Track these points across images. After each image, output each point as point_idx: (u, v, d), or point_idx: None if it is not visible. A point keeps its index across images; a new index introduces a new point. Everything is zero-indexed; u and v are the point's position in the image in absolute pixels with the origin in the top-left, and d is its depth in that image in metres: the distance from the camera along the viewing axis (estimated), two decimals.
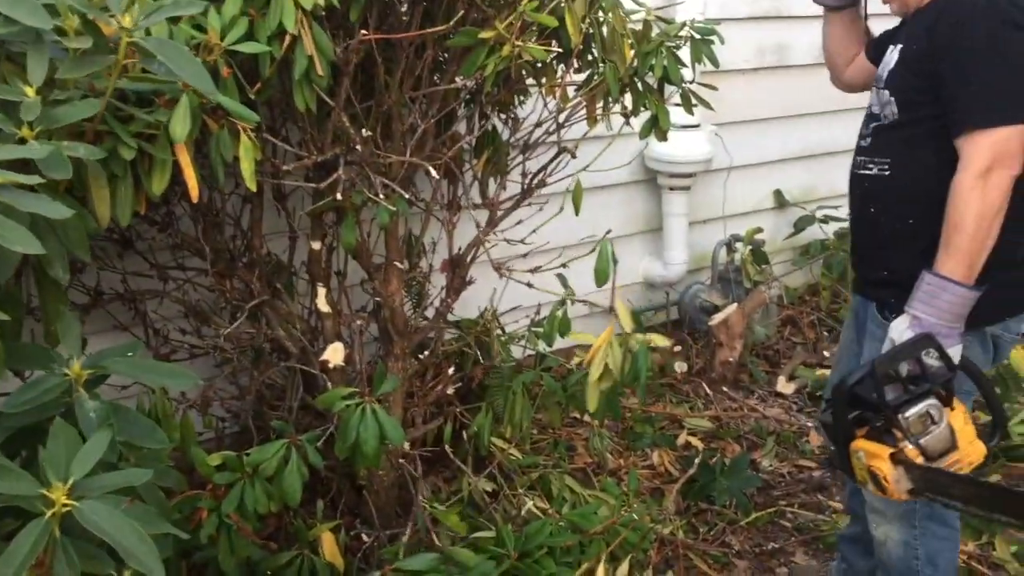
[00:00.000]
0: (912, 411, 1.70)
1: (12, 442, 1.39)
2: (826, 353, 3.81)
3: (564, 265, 2.44)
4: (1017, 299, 1.95)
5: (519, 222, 2.52)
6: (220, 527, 1.85)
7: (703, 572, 2.59)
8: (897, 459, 1.68)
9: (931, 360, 1.72)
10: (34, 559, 1.15)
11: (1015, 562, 2.57)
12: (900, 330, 1.79)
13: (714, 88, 2.38)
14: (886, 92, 1.96)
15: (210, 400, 2.35)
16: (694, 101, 2.34)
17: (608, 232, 2.35)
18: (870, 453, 1.72)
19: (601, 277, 2.26)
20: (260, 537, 2.10)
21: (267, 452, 1.86)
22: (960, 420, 1.73)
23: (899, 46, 1.96)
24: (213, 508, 1.84)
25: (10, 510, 1.32)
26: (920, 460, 1.68)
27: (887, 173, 1.96)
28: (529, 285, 2.41)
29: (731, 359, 3.58)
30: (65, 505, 1.18)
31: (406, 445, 2.33)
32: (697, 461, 2.96)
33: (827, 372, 3.00)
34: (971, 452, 1.72)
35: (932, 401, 1.71)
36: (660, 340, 2.25)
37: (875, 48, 2.18)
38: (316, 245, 2.31)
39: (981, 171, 1.72)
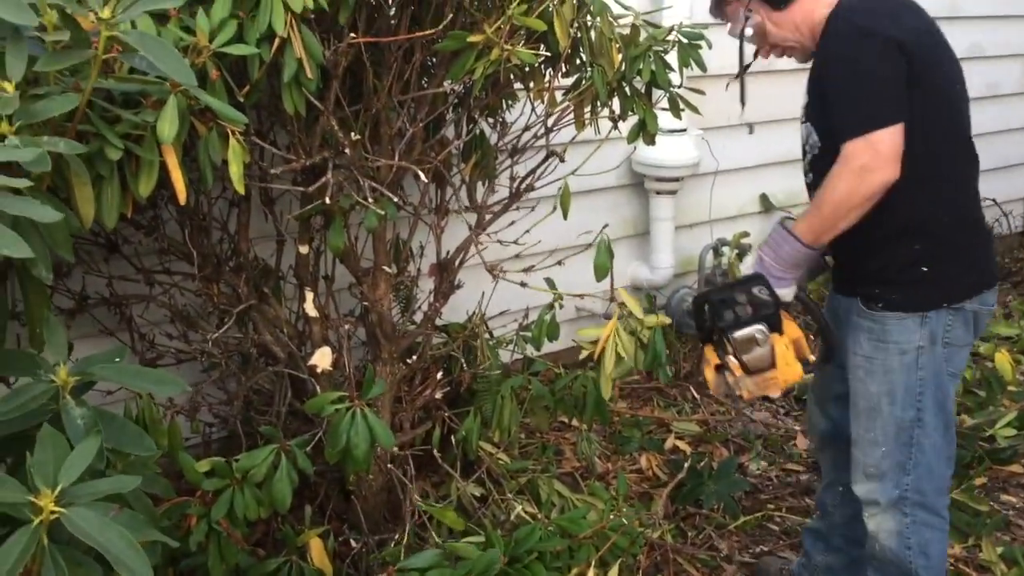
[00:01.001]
0: (740, 333, 2.00)
1: None
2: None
3: (559, 263, 2.44)
4: (987, 272, 2.05)
5: (511, 223, 2.52)
6: (209, 534, 1.83)
7: None
8: (720, 369, 2.06)
9: (762, 295, 1.99)
10: (22, 567, 1.13)
11: (1002, 564, 2.58)
12: (747, 265, 2.04)
13: (701, 92, 2.39)
14: (807, 125, 2.09)
15: (198, 406, 2.33)
16: (681, 106, 2.34)
17: (605, 226, 2.37)
18: (705, 358, 2.11)
19: (600, 271, 2.28)
20: (247, 543, 2.08)
21: (257, 458, 1.85)
22: (781, 345, 2.01)
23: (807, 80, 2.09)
24: (202, 515, 1.83)
25: None
26: (740, 372, 2.02)
27: None
28: (523, 284, 2.41)
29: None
30: (53, 512, 1.17)
31: (395, 449, 2.32)
32: (686, 465, 2.96)
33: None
34: (787, 372, 2.03)
35: (760, 327, 1.99)
36: (662, 320, 2.28)
37: None
38: (304, 249, 2.29)
39: (858, 168, 1.85)
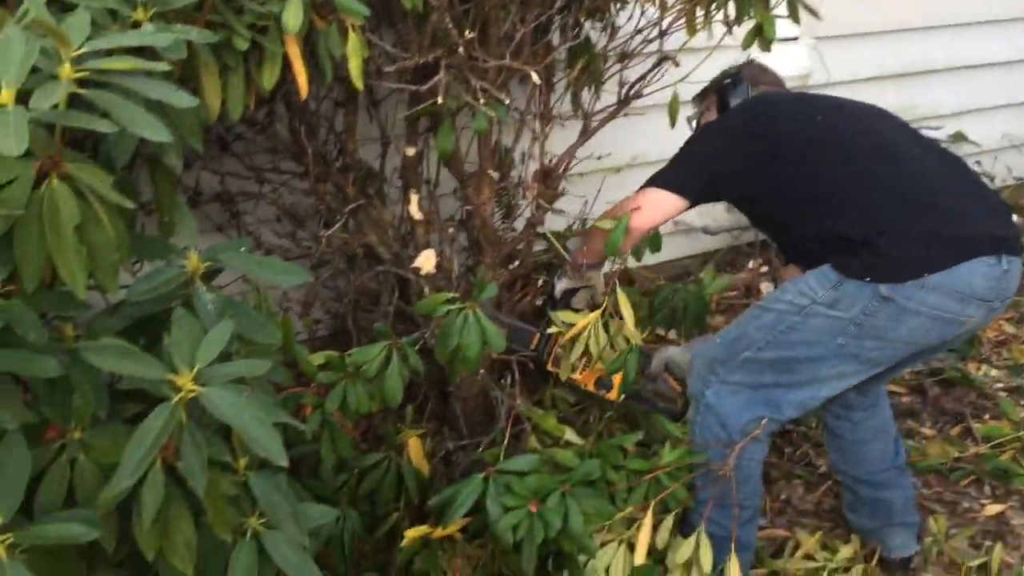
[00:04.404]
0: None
1: (131, 331, 1.41)
2: None
3: None
4: (930, 262, 1.92)
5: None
6: (322, 424, 1.88)
7: None
8: None
9: None
10: (163, 442, 1.17)
11: None
12: None
13: None
14: None
15: (312, 301, 2.37)
16: (800, 11, 2.24)
17: None
18: None
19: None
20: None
21: (369, 353, 1.88)
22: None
23: None
24: (317, 405, 1.88)
25: (132, 393, 1.36)
26: None
27: None
28: None
29: None
30: (191, 391, 1.20)
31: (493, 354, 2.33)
32: None
33: None
34: None
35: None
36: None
37: None
38: (410, 151, 2.29)
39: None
